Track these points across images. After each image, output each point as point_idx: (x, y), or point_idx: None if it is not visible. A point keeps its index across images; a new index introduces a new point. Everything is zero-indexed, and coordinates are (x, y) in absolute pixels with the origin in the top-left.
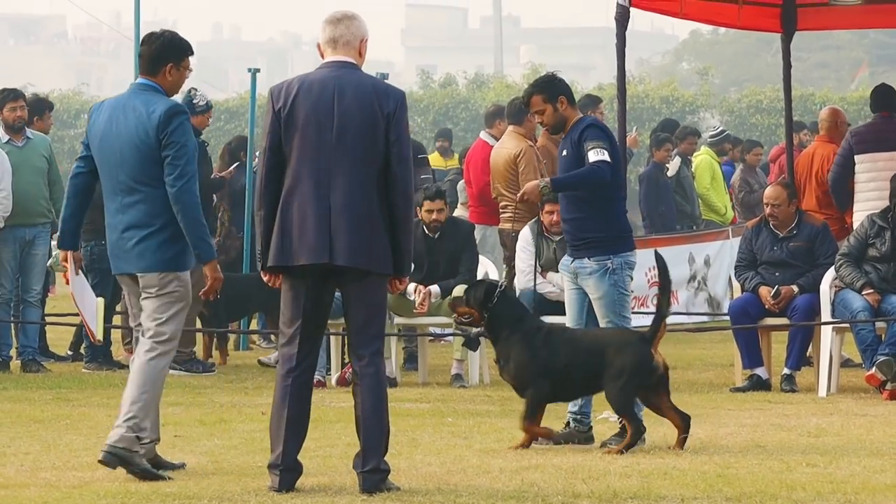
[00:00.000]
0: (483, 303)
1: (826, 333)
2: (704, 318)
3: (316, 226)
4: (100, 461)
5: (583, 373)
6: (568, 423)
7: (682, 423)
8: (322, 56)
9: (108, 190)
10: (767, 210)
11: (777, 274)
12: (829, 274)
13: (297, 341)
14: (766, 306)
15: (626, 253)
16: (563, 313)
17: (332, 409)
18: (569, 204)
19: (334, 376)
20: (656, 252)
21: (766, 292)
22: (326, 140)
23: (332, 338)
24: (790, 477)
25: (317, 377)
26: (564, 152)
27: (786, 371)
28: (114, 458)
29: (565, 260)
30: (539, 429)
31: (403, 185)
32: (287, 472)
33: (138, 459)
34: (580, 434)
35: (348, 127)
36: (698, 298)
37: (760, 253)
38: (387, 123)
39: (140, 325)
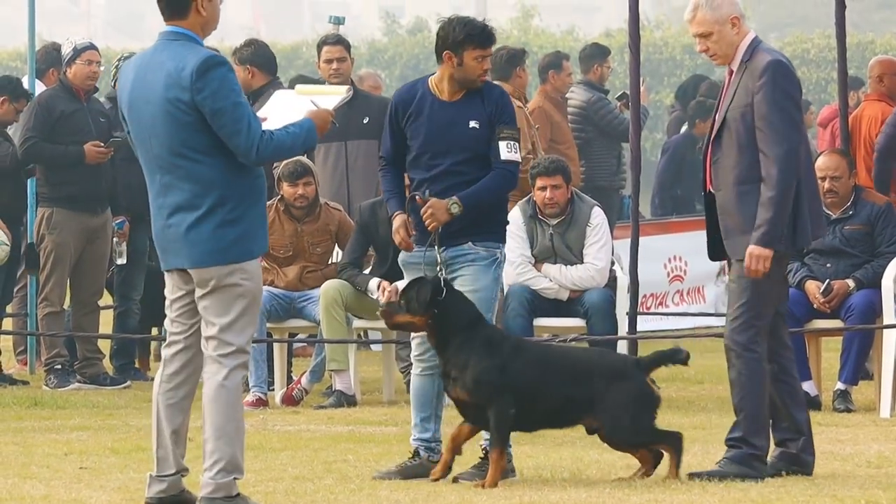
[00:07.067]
0: (429, 305)
1: (890, 339)
2: None
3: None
4: None
5: (560, 400)
6: (417, 451)
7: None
8: None
9: (145, 167)
10: (823, 185)
11: (829, 265)
12: (894, 266)
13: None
14: (815, 305)
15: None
16: (562, 314)
17: (277, 434)
18: None
19: (279, 393)
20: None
21: (814, 288)
22: None
23: (277, 347)
24: None
25: (257, 394)
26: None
27: (839, 386)
28: None
29: None
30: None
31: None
32: None
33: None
34: (433, 466)
35: None
36: None
37: None
38: None
39: (171, 332)
